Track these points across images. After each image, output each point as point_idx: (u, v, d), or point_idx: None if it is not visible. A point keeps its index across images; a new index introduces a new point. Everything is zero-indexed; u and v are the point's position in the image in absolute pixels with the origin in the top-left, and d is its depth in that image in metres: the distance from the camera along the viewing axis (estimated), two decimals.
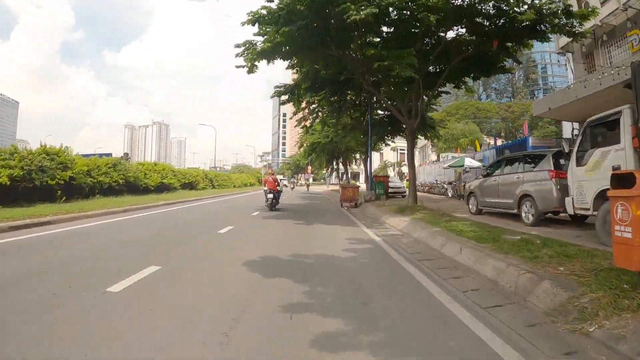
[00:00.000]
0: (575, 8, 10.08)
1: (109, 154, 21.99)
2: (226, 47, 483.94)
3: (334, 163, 37.78)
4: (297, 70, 13.11)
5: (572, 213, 6.21)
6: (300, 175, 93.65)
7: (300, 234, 7.59)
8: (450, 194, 19.51)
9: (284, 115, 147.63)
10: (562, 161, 7.20)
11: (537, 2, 8.71)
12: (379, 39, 10.72)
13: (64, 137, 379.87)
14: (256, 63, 9.58)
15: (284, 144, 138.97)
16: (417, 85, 10.92)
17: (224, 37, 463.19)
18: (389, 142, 23.77)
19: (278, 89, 13.87)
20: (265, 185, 13.53)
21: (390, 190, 17.99)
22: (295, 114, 17.35)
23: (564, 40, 15.08)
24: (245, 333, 2.51)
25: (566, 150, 6.80)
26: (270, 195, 12.93)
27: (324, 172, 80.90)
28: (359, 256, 5.37)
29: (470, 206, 10.11)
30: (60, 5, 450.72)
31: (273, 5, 8.80)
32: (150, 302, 3.15)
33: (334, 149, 29.35)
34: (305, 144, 33.19)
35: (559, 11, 8.60)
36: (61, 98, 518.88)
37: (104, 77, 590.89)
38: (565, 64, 47.97)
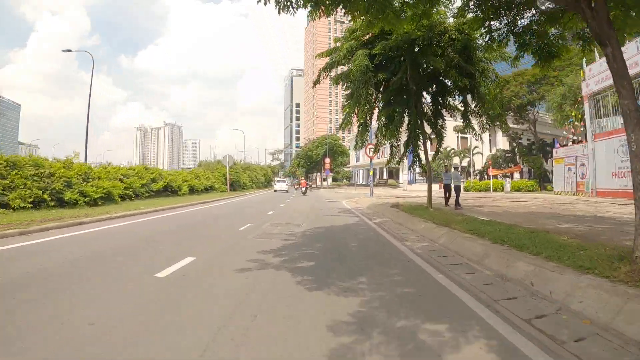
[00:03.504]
0: None
1: None
2: (244, 49, 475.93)
3: (406, 126, 11.56)
4: None
5: None
6: (315, 174, 69.00)
7: None
8: None
9: (297, 105, 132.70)
10: None
11: None
12: None
13: (82, 142, 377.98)
14: None
15: (297, 138, 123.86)
16: None
17: (241, 37, 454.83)
18: None
19: None
20: (300, 185, 35.58)
21: None
22: None
23: None
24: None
25: None
26: (304, 189, 32.29)
27: (360, 170, 60.70)
28: None
29: None
30: (77, 10, 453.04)
31: None
32: None
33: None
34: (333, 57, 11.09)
35: None
36: (79, 103, 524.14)
37: (122, 82, 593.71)
38: None
